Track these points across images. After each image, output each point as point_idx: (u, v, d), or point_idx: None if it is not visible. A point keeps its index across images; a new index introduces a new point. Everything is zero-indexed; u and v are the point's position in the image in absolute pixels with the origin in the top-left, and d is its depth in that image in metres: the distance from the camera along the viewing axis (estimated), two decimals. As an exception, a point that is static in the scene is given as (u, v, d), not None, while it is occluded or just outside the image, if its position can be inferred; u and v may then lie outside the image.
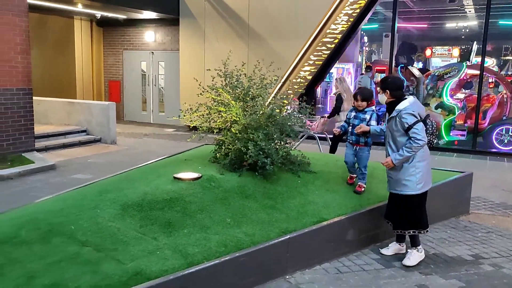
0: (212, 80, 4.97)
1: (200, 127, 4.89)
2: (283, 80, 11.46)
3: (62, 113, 10.53)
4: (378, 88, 4.13)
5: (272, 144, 4.52)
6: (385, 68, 14.02)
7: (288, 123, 4.68)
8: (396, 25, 10.46)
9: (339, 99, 7.78)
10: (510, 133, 9.70)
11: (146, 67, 13.97)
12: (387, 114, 4.12)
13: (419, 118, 3.84)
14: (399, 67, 11.89)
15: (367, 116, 4.55)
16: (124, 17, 13.21)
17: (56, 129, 9.74)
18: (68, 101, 10.82)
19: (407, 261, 4.00)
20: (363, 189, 4.63)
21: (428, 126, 3.96)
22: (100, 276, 2.85)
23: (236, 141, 4.50)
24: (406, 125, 3.81)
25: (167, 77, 13.65)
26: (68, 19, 13.56)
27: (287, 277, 3.67)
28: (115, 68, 14.53)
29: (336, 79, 8.45)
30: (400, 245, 4.23)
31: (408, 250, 4.09)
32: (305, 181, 4.64)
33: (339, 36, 10.89)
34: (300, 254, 3.79)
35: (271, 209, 4.04)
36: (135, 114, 14.26)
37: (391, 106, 4.02)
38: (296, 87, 11.62)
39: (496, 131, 9.86)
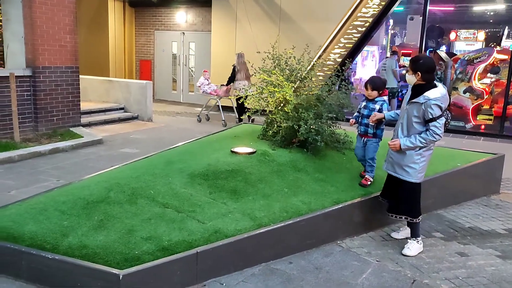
0: (264, 62, 5.33)
1: (251, 108, 5.28)
2: (313, 62, 11.72)
3: (101, 90, 11.01)
4: (408, 68, 3.78)
5: (320, 123, 4.87)
6: (411, 51, 14.12)
7: (336, 103, 5.02)
8: (428, 7, 10.60)
9: (234, 70, 9.95)
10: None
11: (176, 48, 14.33)
12: (408, 94, 3.83)
13: (442, 112, 3.64)
14: (427, 51, 12.03)
15: (377, 106, 4.36)
16: (157, -3, 13.54)
17: (97, 106, 10.23)
18: (107, 79, 11.29)
19: (407, 251, 3.90)
20: (369, 182, 4.51)
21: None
22: (186, 232, 3.29)
23: (288, 120, 4.87)
24: (430, 116, 3.58)
25: (197, 58, 14.01)
26: (102, 0, 13.95)
27: (339, 242, 4.07)
28: (146, 48, 14.93)
29: (236, 54, 10.10)
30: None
31: (408, 240, 3.98)
32: (349, 158, 5.01)
33: (370, 19, 11.07)
34: (349, 222, 4.18)
35: (322, 181, 4.43)
36: (166, 93, 14.70)
37: (417, 89, 3.71)
38: (325, 69, 11.88)
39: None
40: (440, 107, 3.59)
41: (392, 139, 3.94)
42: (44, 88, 8.04)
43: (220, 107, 10.62)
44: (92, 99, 10.97)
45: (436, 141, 3.67)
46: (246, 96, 5.46)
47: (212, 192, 3.95)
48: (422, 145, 3.69)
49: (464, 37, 16.36)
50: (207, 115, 10.95)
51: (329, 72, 12.10)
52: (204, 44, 13.51)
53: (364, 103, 4.54)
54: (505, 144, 9.26)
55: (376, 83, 4.42)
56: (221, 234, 3.33)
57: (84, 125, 9.06)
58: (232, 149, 4.77)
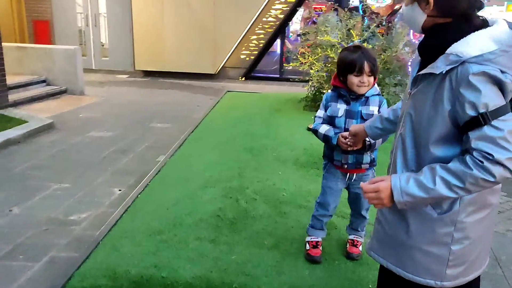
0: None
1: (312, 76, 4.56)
2: (253, 20, 10.95)
3: (10, 60, 8.77)
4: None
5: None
6: (324, 5, 13.92)
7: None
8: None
9: None
10: None
11: (83, 4, 12.16)
12: (414, 67, 1.53)
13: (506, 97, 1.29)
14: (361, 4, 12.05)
15: (375, 108, 2.29)
16: None
17: (13, 80, 8.15)
18: (18, 45, 9.08)
19: None
20: (360, 248, 2.55)
21: None
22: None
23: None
24: (471, 113, 1.26)
25: (110, 17, 12.08)
26: None
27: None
28: (40, 5, 12.37)
29: None
30: None
31: None
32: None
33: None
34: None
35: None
36: (73, 59, 12.50)
37: (433, 42, 1.41)
38: (266, 26, 11.22)
39: None
40: (500, 83, 1.26)
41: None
42: (-38, 61, 6.02)
43: None
44: (-2, 71, 8.72)
45: (494, 182, 1.26)
46: None
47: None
48: (453, 195, 1.30)
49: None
50: None
51: (270, 30, 11.47)
52: (119, 0, 11.67)
53: (344, 106, 2.31)
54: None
55: (374, 59, 2.26)
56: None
57: (10, 105, 7.17)
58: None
